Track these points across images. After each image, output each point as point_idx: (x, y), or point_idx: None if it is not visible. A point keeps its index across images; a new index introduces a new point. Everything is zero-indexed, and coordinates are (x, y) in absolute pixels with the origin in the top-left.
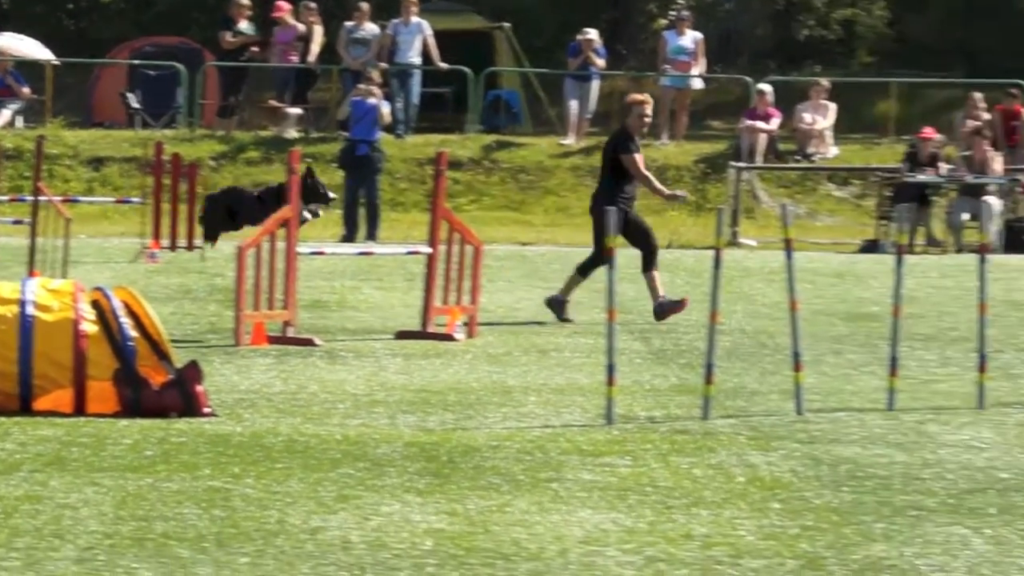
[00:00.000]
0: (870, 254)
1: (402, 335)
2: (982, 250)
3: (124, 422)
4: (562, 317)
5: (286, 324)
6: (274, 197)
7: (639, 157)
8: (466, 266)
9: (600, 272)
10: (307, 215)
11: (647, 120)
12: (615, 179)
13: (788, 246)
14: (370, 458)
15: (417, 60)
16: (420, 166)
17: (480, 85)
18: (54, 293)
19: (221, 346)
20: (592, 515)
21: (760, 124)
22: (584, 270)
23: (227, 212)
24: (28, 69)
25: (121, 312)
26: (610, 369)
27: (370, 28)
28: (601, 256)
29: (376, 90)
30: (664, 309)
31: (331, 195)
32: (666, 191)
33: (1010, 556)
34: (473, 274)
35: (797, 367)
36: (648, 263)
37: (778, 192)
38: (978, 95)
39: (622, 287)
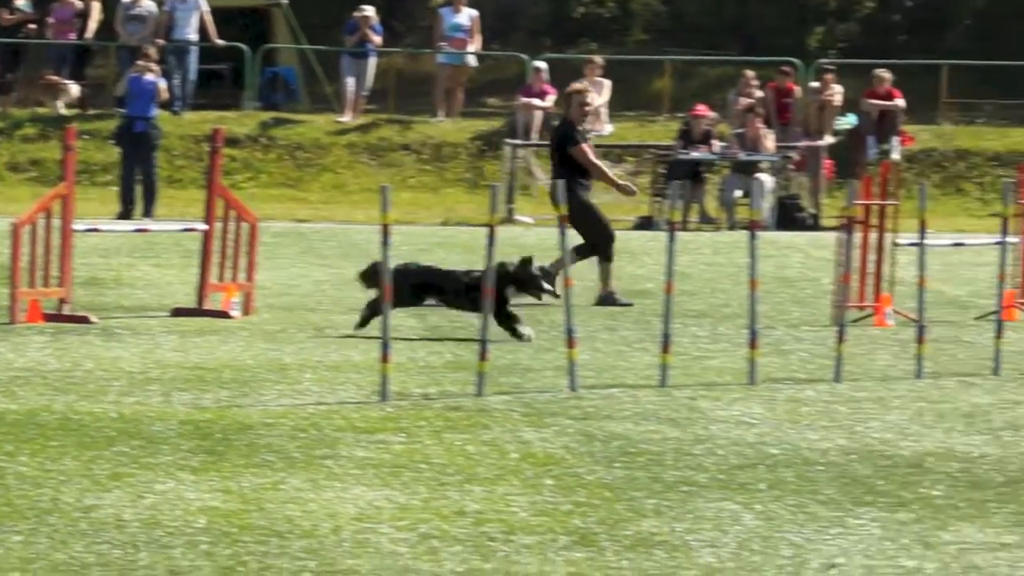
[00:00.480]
0: (644, 231)
1: (178, 312)
2: (753, 227)
3: None
4: (623, 303)
5: (62, 301)
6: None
7: (587, 147)
8: (242, 243)
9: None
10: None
11: (588, 109)
12: (570, 171)
13: (561, 223)
14: (144, 436)
15: (194, 37)
16: (197, 143)
17: (257, 62)
18: None
19: None
20: (366, 492)
21: (536, 101)
22: (602, 255)
23: (418, 289)
24: None
25: None
26: (384, 346)
27: (147, 5)
28: (596, 238)
29: (153, 67)
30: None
31: (555, 293)
32: (618, 181)
33: (780, 531)
34: (249, 251)
35: (571, 344)
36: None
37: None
38: (750, 73)
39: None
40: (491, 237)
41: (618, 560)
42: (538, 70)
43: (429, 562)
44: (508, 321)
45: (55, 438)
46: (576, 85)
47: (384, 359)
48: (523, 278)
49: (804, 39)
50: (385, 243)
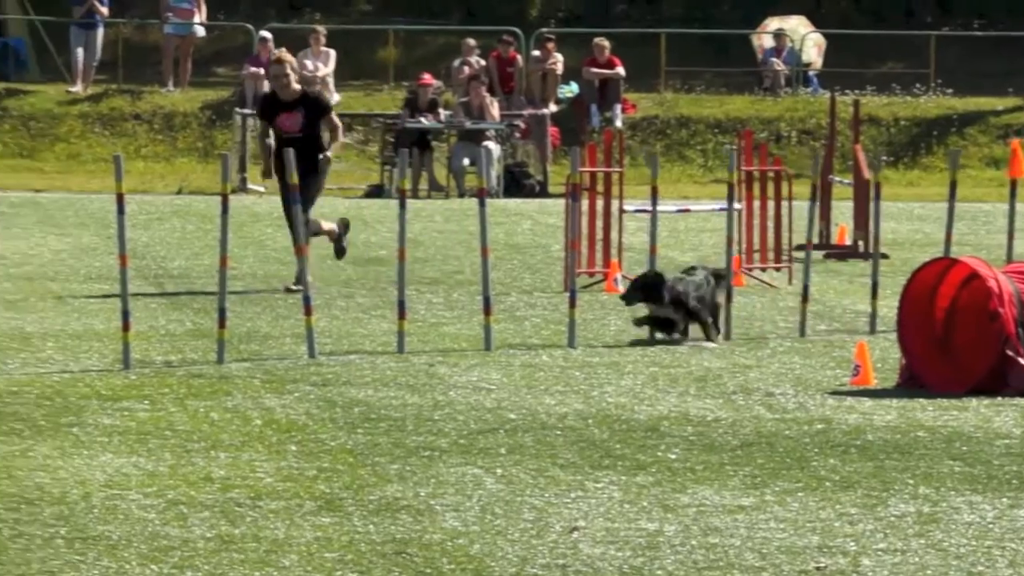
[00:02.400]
0: (376, 199)
1: None
2: (481, 195)
3: None
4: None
5: None
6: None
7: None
8: None
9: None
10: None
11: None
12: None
13: (292, 192)
14: None
15: None
16: None
17: None
18: None
19: None
20: (113, 459)
21: (262, 71)
22: None
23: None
24: None
25: None
26: (125, 315)
27: None
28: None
29: None
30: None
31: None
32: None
33: (521, 495)
34: None
35: (308, 311)
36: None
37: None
38: (472, 42)
39: (135, 233)
40: (224, 205)
41: (364, 524)
42: (264, 40)
43: (178, 528)
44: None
45: None
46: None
47: (125, 327)
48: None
49: (525, 8)
50: (120, 212)
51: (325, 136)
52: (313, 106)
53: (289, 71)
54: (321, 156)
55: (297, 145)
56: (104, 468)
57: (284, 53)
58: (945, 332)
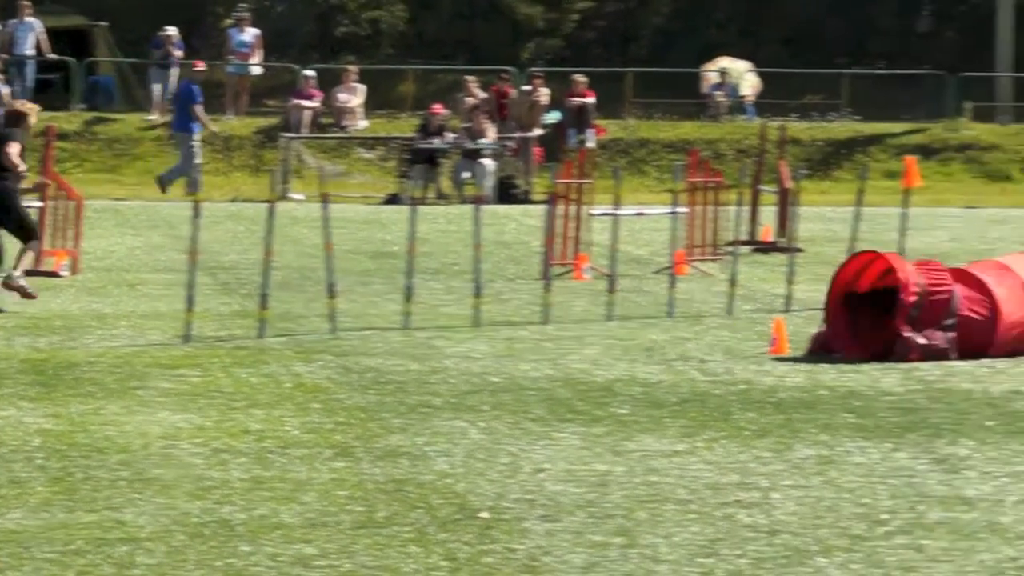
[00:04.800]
0: (392, 205)
1: None
2: (477, 201)
3: None
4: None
5: None
6: None
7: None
8: (70, 217)
9: (175, 221)
10: None
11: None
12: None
13: (325, 199)
14: None
15: (31, 52)
16: (34, 138)
17: (82, 72)
18: None
19: None
20: (169, 416)
21: (305, 103)
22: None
23: None
24: None
25: None
26: (189, 299)
27: None
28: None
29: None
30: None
31: None
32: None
33: (499, 444)
34: (76, 224)
35: (332, 295)
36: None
37: (321, 156)
38: (471, 78)
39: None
40: (271, 211)
41: (371, 468)
42: (307, 77)
43: (220, 471)
44: None
45: None
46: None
47: (188, 308)
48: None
49: (518, 52)
50: (196, 215)
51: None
52: None
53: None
54: None
55: None
56: (161, 423)
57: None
58: (860, 309)
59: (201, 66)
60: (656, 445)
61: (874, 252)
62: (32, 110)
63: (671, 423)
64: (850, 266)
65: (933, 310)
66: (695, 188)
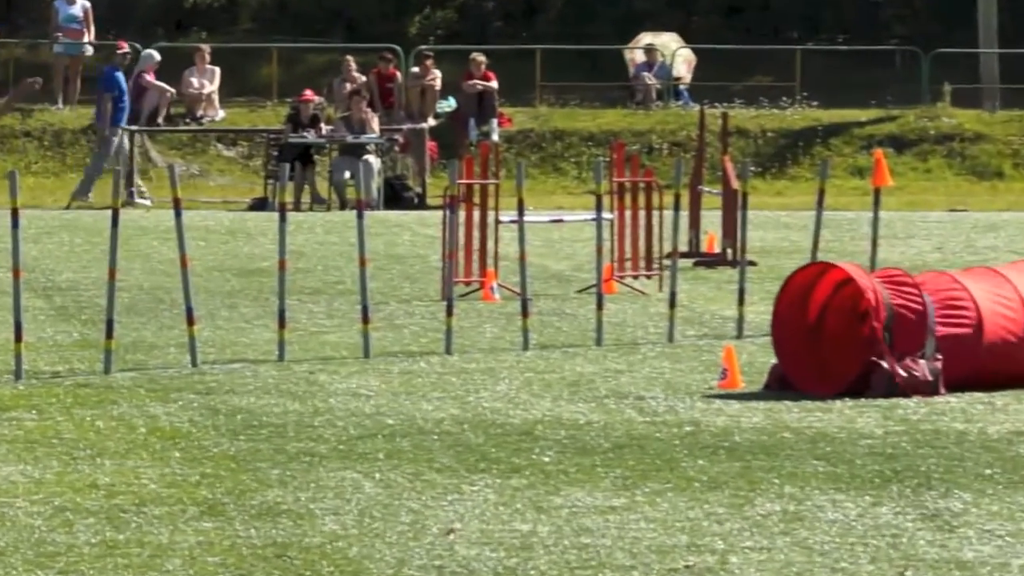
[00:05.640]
0: (259, 212)
1: None
2: (360, 207)
3: None
4: None
5: None
6: None
7: None
8: None
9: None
10: None
11: None
12: None
13: (177, 205)
14: None
15: None
16: None
17: None
18: None
19: None
20: (1, 468)
21: (152, 87)
22: None
23: None
24: None
25: None
26: (17, 326)
27: None
28: None
29: None
30: None
31: None
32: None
33: (399, 499)
34: None
35: (191, 321)
36: None
37: (171, 153)
38: (351, 59)
39: (25, 247)
40: (114, 219)
41: (246, 529)
42: (151, 58)
43: (64, 534)
44: None
45: None
46: None
47: (17, 338)
48: None
49: (404, 26)
50: (15, 226)
51: None
52: None
53: None
54: None
55: None
56: None
57: None
58: (816, 335)
59: (124, 48)
60: (588, 500)
61: (825, 263)
62: None
63: (605, 473)
64: (799, 277)
65: (907, 332)
66: (623, 189)
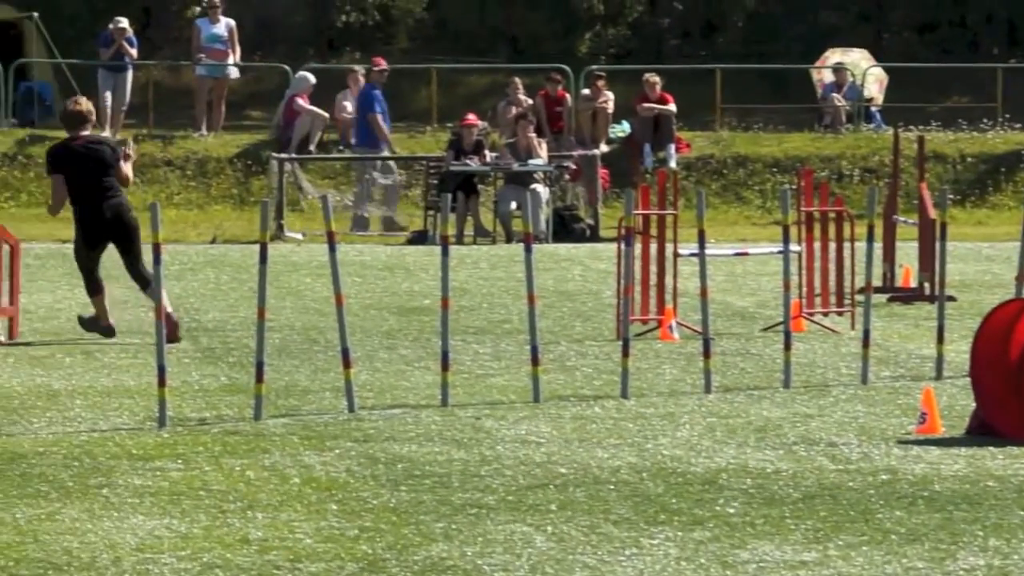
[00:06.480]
0: (418, 245)
1: None
2: (528, 240)
3: None
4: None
5: None
6: None
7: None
8: (3, 266)
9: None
10: None
11: None
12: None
13: (331, 239)
14: None
15: None
16: None
17: (11, 77)
18: None
19: None
20: (145, 521)
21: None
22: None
23: None
24: None
25: None
26: (161, 370)
27: None
28: None
29: None
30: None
31: None
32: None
33: (573, 553)
34: (12, 274)
35: (347, 364)
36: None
37: (323, 183)
38: (517, 80)
39: (168, 284)
40: (263, 254)
41: None
42: (303, 80)
43: None
44: None
45: None
46: None
47: (161, 383)
48: None
49: (573, 45)
50: (157, 262)
51: None
52: None
53: None
54: None
55: None
56: (135, 531)
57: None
58: (1020, 376)
59: (382, 64)
60: (776, 554)
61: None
62: None
63: (794, 525)
64: (1000, 314)
65: None
66: (811, 219)
